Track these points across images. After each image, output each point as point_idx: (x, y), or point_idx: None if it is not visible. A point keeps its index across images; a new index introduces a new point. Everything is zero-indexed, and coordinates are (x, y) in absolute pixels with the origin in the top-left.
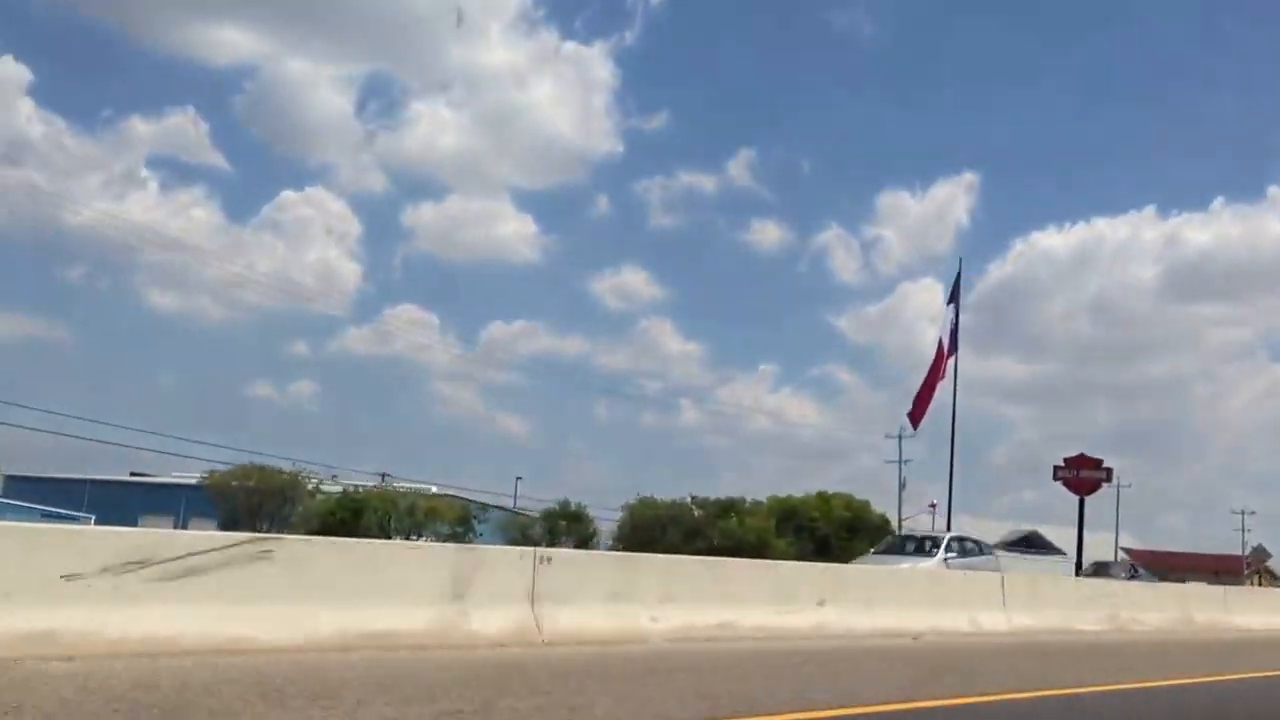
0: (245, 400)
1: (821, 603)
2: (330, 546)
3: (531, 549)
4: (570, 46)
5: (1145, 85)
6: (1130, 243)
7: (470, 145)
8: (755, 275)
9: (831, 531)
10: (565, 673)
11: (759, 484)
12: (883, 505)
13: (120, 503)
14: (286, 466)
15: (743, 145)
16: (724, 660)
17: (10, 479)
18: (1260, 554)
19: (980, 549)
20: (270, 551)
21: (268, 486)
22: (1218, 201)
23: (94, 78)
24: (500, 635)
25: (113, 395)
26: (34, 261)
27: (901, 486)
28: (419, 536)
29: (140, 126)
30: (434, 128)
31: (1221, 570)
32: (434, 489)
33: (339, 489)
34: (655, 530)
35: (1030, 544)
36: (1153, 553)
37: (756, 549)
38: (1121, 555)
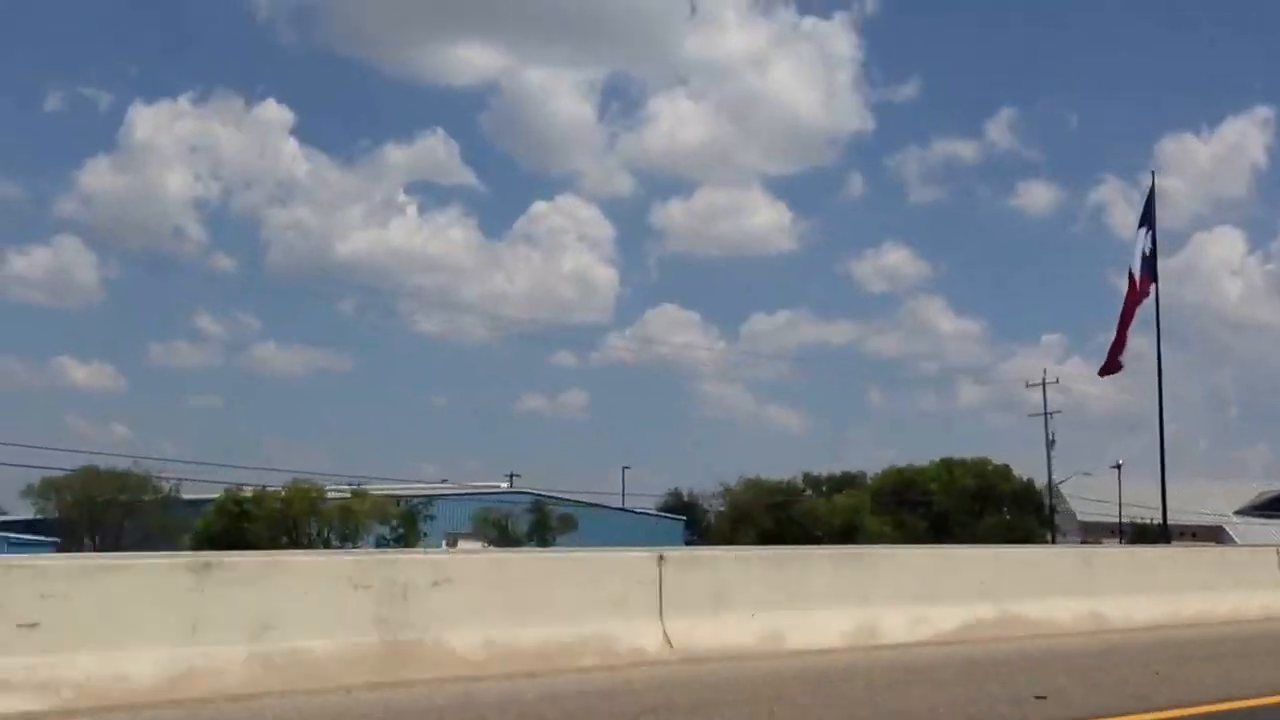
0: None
1: None
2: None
3: (655, 551)
4: (809, 22)
5: None
6: None
7: (714, 136)
8: (1027, 242)
9: (951, 506)
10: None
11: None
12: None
13: None
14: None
15: (1003, 105)
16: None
17: None
18: None
19: None
20: None
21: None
22: None
23: (349, 111)
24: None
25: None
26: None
27: (1050, 444)
28: (347, 543)
29: (395, 153)
30: (676, 122)
31: None
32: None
33: (214, 495)
34: (756, 513)
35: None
36: None
37: (844, 533)
38: None
